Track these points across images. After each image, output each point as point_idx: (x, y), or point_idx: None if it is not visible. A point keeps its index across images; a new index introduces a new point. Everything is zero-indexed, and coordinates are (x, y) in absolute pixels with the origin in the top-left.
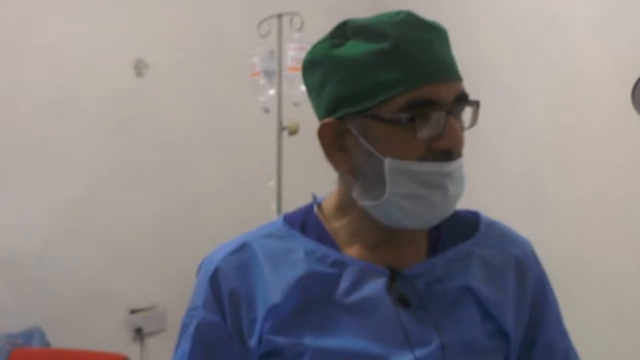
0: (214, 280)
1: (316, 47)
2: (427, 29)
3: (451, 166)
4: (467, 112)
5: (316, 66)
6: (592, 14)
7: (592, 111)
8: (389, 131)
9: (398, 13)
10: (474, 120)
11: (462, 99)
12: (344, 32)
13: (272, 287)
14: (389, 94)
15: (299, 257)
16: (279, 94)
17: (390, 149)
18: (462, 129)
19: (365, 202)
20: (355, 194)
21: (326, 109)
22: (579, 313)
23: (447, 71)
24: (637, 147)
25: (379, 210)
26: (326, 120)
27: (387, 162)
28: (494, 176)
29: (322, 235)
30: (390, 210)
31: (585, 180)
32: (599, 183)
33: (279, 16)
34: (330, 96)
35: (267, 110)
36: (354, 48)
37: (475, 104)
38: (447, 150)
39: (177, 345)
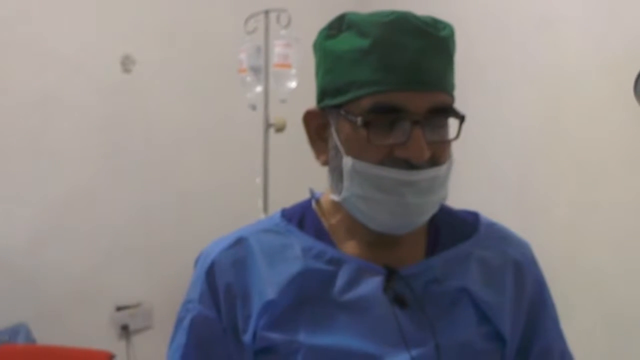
0: (210, 275)
1: (318, 34)
2: (417, 34)
3: (413, 175)
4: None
5: (315, 52)
6: (581, 13)
7: (581, 110)
8: (352, 131)
9: (391, 13)
10: (457, 135)
11: (439, 112)
12: (340, 24)
13: (268, 283)
14: (357, 93)
15: (296, 254)
16: (266, 91)
17: (352, 149)
18: (441, 140)
19: (333, 197)
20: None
21: (316, 96)
22: (569, 313)
23: (423, 81)
24: (627, 146)
25: (345, 207)
26: (311, 108)
27: (346, 160)
28: (483, 176)
29: (319, 232)
30: (351, 208)
31: (574, 180)
32: (588, 183)
33: (266, 13)
34: (318, 85)
35: (253, 107)
36: (342, 42)
37: (460, 118)
38: (407, 160)
39: (172, 338)
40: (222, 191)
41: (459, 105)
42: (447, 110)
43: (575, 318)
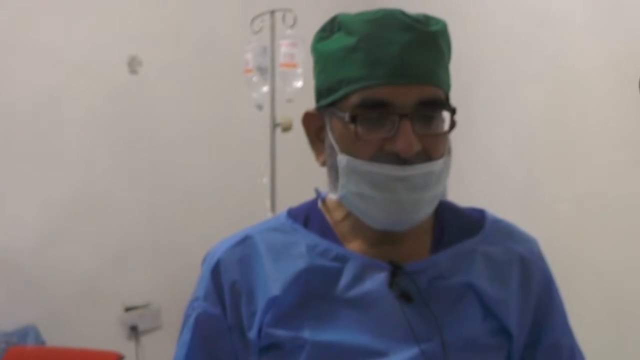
0: (216, 273)
1: (313, 37)
2: (403, 29)
3: (404, 171)
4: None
5: (312, 55)
6: (585, 10)
7: (586, 106)
8: (343, 128)
9: (379, 11)
10: (450, 127)
11: (428, 105)
12: (332, 25)
13: (273, 279)
14: (346, 90)
15: (301, 251)
16: (272, 91)
17: (345, 146)
18: (432, 133)
19: (331, 195)
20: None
21: (315, 98)
22: (573, 309)
23: (410, 74)
24: (631, 142)
25: (344, 204)
26: (309, 110)
27: (340, 158)
28: (488, 172)
29: (325, 230)
30: (349, 206)
31: (579, 176)
32: (593, 178)
33: (272, 12)
34: (315, 86)
35: (260, 107)
36: (333, 42)
37: (450, 111)
38: (397, 153)
39: (179, 336)
40: (229, 191)
41: (463, 102)
42: (436, 103)
43: (581, 314)
